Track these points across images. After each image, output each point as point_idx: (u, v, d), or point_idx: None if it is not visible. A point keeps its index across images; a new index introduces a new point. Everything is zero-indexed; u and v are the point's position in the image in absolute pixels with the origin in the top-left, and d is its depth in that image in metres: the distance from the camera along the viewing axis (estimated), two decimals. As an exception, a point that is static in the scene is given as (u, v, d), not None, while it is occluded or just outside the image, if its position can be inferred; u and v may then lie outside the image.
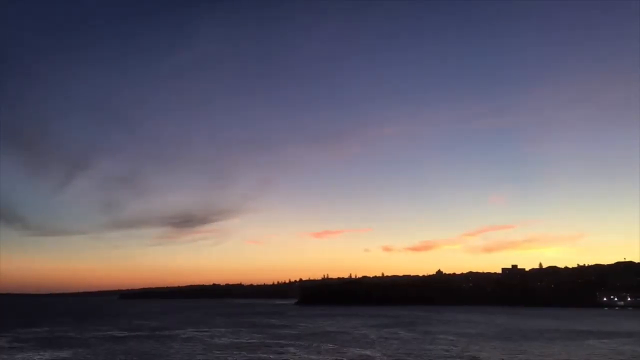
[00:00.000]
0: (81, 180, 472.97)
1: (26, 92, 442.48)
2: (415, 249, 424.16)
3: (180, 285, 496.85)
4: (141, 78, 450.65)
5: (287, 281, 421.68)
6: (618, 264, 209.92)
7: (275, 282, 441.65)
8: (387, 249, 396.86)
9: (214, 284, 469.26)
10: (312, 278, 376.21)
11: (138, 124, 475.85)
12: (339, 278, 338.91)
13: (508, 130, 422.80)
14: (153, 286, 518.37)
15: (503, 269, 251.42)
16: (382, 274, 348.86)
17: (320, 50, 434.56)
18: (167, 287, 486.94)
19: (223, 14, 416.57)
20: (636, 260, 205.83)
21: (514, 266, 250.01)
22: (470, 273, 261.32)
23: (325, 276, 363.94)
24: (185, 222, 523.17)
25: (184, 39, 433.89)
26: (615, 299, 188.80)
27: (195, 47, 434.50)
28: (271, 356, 50.65)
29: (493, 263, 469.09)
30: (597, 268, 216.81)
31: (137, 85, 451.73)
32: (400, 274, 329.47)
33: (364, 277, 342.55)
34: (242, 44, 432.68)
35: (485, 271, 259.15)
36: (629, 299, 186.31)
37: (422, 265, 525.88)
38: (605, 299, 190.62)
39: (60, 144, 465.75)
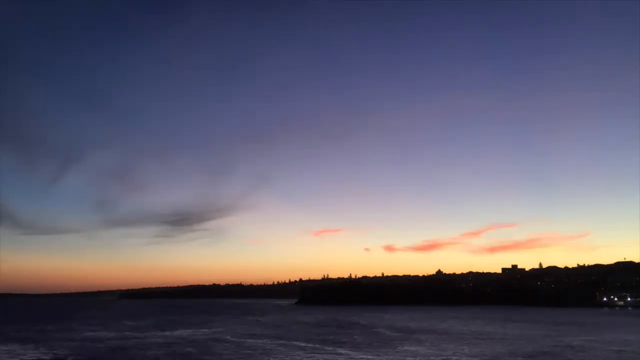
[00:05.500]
0: (73, 175, 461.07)
1: (15, 84, 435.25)
2: (416, 248, 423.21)
3: (180, 284, 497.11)
4: (136, 70, 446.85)
5: (287, 281, 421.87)
6: (618, 264, 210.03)
7: (275, 282, 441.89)
8: (388, 248, 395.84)
9: (213, 284, 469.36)
10: (312, 278, 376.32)
11: (132, 116, 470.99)
12: (339, 278, 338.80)
13: (511, 130, 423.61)
14: (152, 286, 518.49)
15: (503, 269, 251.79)
16: (382, 274, 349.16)
17: (321, 42, 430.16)
18: (166, 287, 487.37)
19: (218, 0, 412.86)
20: (636, 260, 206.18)
21: (514, 266, 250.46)
22: (470, 273, 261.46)
23: (325, 276, 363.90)
24: (183, 220, 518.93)
25: (178, 30, 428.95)
26: (615, 299, 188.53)
27: (190, 39, 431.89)
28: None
29: (493, 263, 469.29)
30: (597, 268, 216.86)
31: (131, 77, 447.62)
32: (401, 273, 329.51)
33: (364, 277, 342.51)
34: (239, 35, 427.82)
35: (485, 271, 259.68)
36: (629, 299, 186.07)
37: (423, 265, 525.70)
38: (605, 299, 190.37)
39: (50, 137, 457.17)
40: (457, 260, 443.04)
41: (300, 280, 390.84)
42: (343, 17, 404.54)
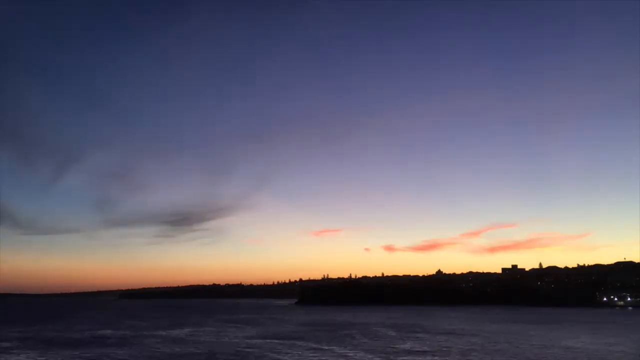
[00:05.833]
0: (73, 175, 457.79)
1: (15, 84, 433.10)
2: (416, 248, 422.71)
3: (180, 284, 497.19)
4: (136, 70, 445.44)
5: (287, 281, 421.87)
6: (618, 264, 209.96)
7: (275, 282, 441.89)
8: (388, 248, 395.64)
9: (213, 284, 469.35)
10: (312, 278, 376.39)
11: (132, 116, 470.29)
12: (339, 278, 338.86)
13: (511, 130, 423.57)
14: (152, 286, 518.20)
15: (503, 269, 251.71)
16: (382, 274, 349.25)
17: (321, 42, 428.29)
18: (166, 287, 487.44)
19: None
20: (636, 260, 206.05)
21: (514, 266, 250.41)
22: (470, 273, 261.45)
23: (325, 276, 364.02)
24: (183, 220, 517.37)
25: (178, 30, 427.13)
26: (615, 299, 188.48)
27: (190, 39, 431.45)
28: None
29: (493, 263, 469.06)
30: (597, 268, 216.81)
31: (131, 77, 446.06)
32: (401, 273, 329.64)
33: (364, 277, 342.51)
34: (239, 35, 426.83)
35: (485, 271, 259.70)
36: (629, 299, 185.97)
37: (423, 265, 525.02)
38: (605, 299, 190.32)
39: (50, 137, 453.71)
40: (457, 260, 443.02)
41: (300, 280, 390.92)
42: (343, 17, 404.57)
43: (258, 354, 51.03)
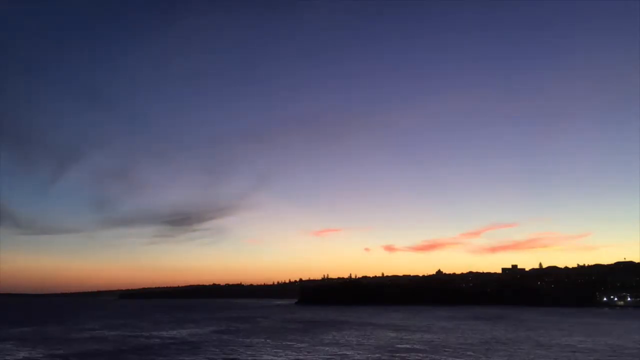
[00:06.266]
0: (73, 175, 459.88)
1: (15, 84, 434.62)
2: (416, 248, 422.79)
3: (180, 285, 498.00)
4: (136, 70, 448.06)
5: (287, 281, 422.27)
6: (618, 264, 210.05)
7: (275, 282, 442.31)
8: (388, 248, 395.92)
9: (213, 284, 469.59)
10: (312, 278, 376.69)
11: (132, 116, 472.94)
12: (339, 278, 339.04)
13: (511, 130, 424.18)
14: (152, 286, 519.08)
15: (503, 269, 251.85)
16: (382, 274, 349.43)
17: (321, 42, 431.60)
18: (166, 287, 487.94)
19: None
20: (636, 260, 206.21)
21: (514, 266, 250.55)
22: (470, 273, 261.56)
23: (325, 276, 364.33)
24: (183, 220, 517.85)
25: (178, 30, 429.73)
26: (615, 299, 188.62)
27: (190, 39, 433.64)
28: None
29: (493, 263, 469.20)
30: (597, 268, 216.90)
31: (131, 77, 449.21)
32: (401, 273, 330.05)
33: (364, 277, 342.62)
34: (239, 35, 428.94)
35: (485, 271, 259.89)
36: (629, 299, 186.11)
37: (423, 265, 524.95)
38: (605, 299, 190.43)
39: (50, 137, 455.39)
40: (457, 260, 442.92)
41: (300, 280, 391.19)
42: (343, 17, 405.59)
43: (258, 353, 51.10)
